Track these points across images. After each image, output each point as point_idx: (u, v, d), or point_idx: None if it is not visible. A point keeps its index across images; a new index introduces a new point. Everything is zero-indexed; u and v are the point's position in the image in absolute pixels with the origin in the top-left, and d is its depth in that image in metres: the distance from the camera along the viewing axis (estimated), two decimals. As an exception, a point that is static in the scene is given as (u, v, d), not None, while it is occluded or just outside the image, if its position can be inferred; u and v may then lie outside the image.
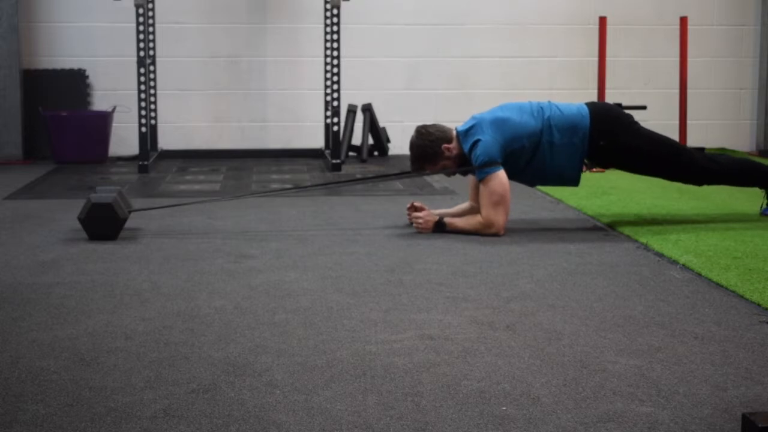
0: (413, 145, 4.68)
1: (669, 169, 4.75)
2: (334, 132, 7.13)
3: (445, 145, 4.62)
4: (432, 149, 4.63)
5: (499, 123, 4.56)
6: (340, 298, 3.36)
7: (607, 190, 5.96)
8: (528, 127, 4.57)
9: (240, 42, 8.10)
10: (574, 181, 4.73)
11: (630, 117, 4.77)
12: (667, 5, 8.36)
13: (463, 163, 4.67)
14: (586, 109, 4.65)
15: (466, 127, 4.62)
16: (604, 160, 4.80)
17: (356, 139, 7.90)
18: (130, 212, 4.61)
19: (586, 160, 4.75)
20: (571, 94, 7.76)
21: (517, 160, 4.61)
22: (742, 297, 3.38)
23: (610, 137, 4.63)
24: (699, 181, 4.81)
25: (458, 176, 4.90)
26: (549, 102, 4.71)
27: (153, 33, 7.78)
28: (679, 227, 4.68)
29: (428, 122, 4.99)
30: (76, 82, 7.90)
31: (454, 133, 4.68)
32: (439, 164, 4.68)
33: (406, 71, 8.24)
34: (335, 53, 7.13)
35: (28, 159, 7.73)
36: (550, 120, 4.59)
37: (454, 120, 5.68)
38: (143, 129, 6.97)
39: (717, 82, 8.50)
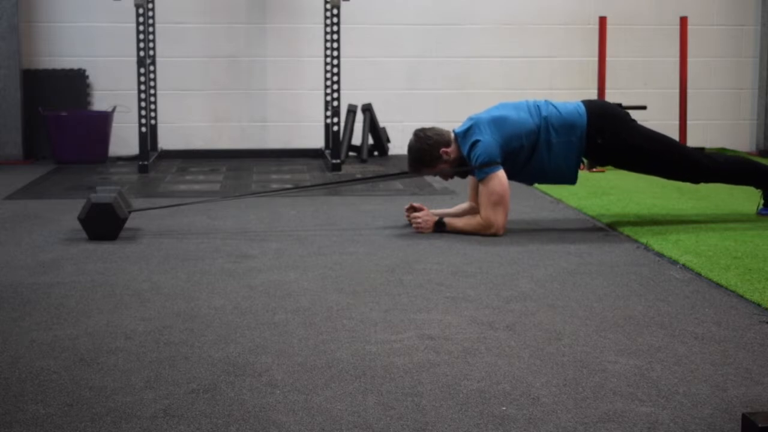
0: (411, 149, 4.68)
1: (666, 166, 4.75)
2: (334, 132, 7.13)
3: (444, 149, 4.62)
4: (430, 153, 4.63)
5: (497, 122, 4.56)
6: (340, 298, 3.36)
7: (607, 190, 5.96)
8: (526, 125, 4.57)
9: (240, 42, 8.10)
10: (571, 180, 4.73)
11: (627, 115, 4.77)
12: (667, 5, 8.36)
13: (462, 166, 4.66)
14: (583, 107, 4.65)
15: (464, 128, 4.62)
16: (601, 158, 4.80)
17: (356, 139, 7.90)
18: (130, 212, 4.61)
19: (584, 159, 4.75)
20: (571, 94, 7.75)
21: (516, 159, 4.61)
22: (742, 297, 3.38)
23: (607, 135, 4.63)
24: (696, 179, 4.81)
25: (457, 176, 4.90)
26: (546, 100, 4.71)
27: (153, 33, 7.78)
28: (679, 227, 4.68)
29: (428, 123, 4.99)
30: (76, 82, 7.90)
31: (452, 135, 4.68)
32: (437, 167, 4.68)
33: (406, 71, 8.24)
34: (335, 53, 7.13)
35: (28, 159, 7.73)
36: (548, 119, 4.59)
37: (454, 120, 5.69)
38: (143, 129, 6.97)
39: (717, 82, 8.50)
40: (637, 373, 2.56)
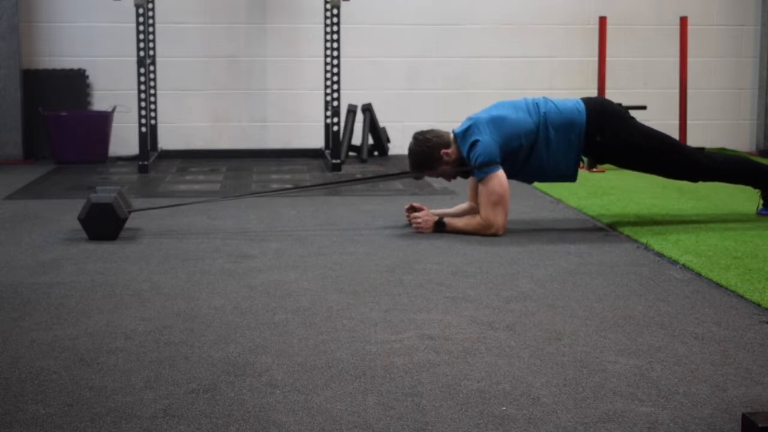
0: (411, 152, 4.68)
1: (666, 165, 4.74)
2: (334, 132, 7.13)
3: (444, 150, 4.62)
4: (430, 155, 4.63)
5: (496, 122, 4.56)
6: (340, 298, 3.36)
7: (607, 190, 5.96)
8: (525, 124, 4.57)
9: (240, 42, 8.10)
10: (571, 177, 4.73)
11: (626, 112, 4.77)
12: (667, 5, 8.36)
13: (463, 166, 4.66)
14: (582, 105, 4.65)
15: (463, 128, 4.62)
16: (600, 156, 4.80)
17: (356, 139, 7.90)
18: (130, 212, 4.61)
19: (584, 158, 4.74)
20: (571, 94, 7.69)
21: (515, 159, 4.60)
22: (742, 297, 3.38)
23: (606, 133, 4.63)
24: (695, 178, 4.80)
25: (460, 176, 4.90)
26: (545, 98, 4.70)
27: (153, 33, 7.78)
28: (679, 227, 4.68)
29: (428, 123, 4.99)
30: (76, 82, 7.90)
31: (452, 136, 4.68)
32: (438, 169, 4.68)
33: (406, 71, 8.24)
34: (335, 53, 7.13)
35: (28, 159, 7.73)
36: (546, 116, 4.58)
37: (455, 120, 5.68)
38: (143, 129, 6.97)
39: (717, 82, 8.50)
40: (637, 373, 2.56)
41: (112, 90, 7.95)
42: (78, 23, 7.92)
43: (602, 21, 7.41)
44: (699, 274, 3.72)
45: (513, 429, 2.19)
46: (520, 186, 5.45)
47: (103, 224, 4.40)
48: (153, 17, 7.80)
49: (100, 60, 7.94)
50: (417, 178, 4.95)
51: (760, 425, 2.01)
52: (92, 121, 7.63)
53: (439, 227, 4.59)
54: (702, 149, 5.24)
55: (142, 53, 6.93)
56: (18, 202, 5.59)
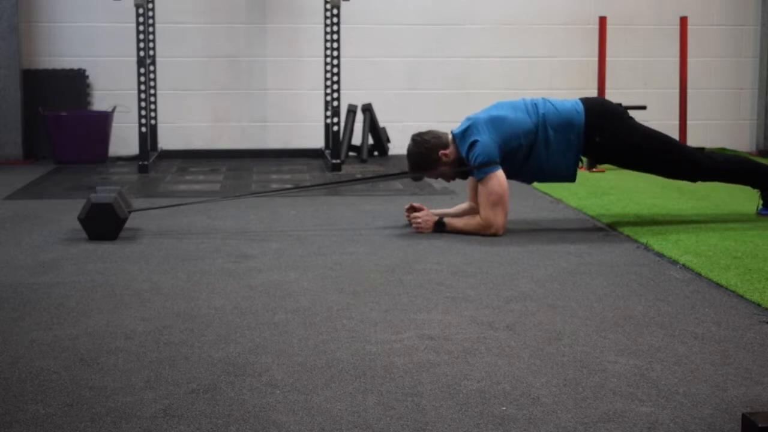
0: (410, 154, 4.69)
1: (665, 165, 4.74)
2: (334, 132, 7.13)
3: (442, 151, 4.62)
4: (429, 157, 4.63)
5: (495, 122, 4.56)
6: (340, 298, 3.36)
7: (607, 190, 5.96)
8: (524, 125, 4.57)
9: (240, 42, 8.10)
10: (570, 178, 4.72)
11: (625, 112, 4.77)
12: (667, 5, 8.36)
13: (462, 166, 4.66)
14: (581, 105, 4.65)
15: (462, 128, 4.62)
16: (600, 156, 4.80)
17: (356, 139, 7.90)
18: (130, 212, 4.61)
19: (583, 158, 4.74)
20: (571, 94, 7.70)
21: (514, 159, 4.60)
22: (742, 297, 3.38)
23: (605, 133, 4.62)
24: (694, 178, 4.80)
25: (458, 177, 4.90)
26: (543, 99, 4.70)
27: (153, 33, 7.78)
28: (679, 227, 4.68)
29: (428, 123, 4.99)
30: (76, 82, 7.90)
31: (450, 137, 4.68)
32: (437, 170, 4.68)
33: (406, 71, 8.24)
34: (335, 53, 7.14)
35: (28, 159, 7.73)
36: (545, 117, 4.58)
37: (455, 120, 5.68)
38: (143, 129, 6.97)
39: (717, 82, 8.50)
40: (637, 373, 2.56)
41: (112, 90, 7.95)
42: (78, 23, 7.92)
43: (602, 21, 7.41)
44: (699, 274, 3.72)
45: (513, 429, 2.19)
46: (520, 186, 5.45)
47: (103, 224, 4.40)
48: (153, 17, 7.80)
49: (100, 60, 7.94)
50: (416, 179, 4.95)
51: (760, 425, 2.01)
52: (92, 121, 7.63)
53: (439, 227, 4.59)
54: (702, 149, 5.24)
55: (142, 53, 6.94)
56: (18, 202, 5.59)
